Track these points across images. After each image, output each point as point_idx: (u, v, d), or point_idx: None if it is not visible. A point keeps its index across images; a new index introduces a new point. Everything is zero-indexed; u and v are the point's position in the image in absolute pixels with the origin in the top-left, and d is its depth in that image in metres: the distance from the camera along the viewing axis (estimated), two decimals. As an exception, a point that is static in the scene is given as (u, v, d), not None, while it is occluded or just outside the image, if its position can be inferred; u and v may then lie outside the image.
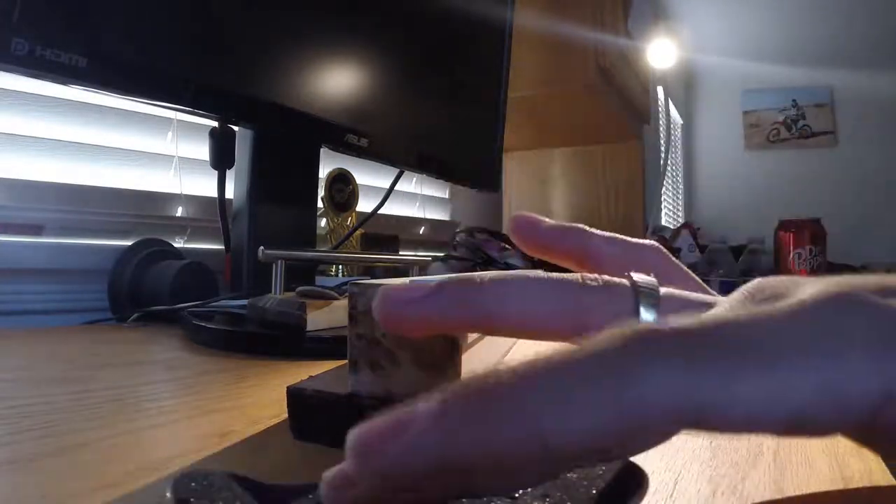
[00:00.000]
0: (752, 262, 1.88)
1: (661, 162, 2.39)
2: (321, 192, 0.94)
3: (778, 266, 1.54)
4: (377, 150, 0.74)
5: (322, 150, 0.74)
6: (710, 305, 0.16)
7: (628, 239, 0.20)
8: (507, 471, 0.11)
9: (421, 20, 0.82)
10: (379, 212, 0.91)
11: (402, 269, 0.81)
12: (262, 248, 0.55)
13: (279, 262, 0.55)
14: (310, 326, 0.46)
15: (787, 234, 1.53)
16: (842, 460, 0.20)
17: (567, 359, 0.12)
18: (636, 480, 0.15)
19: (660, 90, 2.56)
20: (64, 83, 0.46)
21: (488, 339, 0.26)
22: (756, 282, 0.15)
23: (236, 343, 0.47)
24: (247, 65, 0.58)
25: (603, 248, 0.19)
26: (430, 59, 0.85)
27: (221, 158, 0.64)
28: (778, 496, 0.17)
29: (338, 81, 0.69)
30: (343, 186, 0.99)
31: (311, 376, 0.25)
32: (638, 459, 0.14)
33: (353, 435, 0.12)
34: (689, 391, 0.11)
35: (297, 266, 0.64)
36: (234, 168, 0.66)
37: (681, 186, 3.56)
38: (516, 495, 0.14)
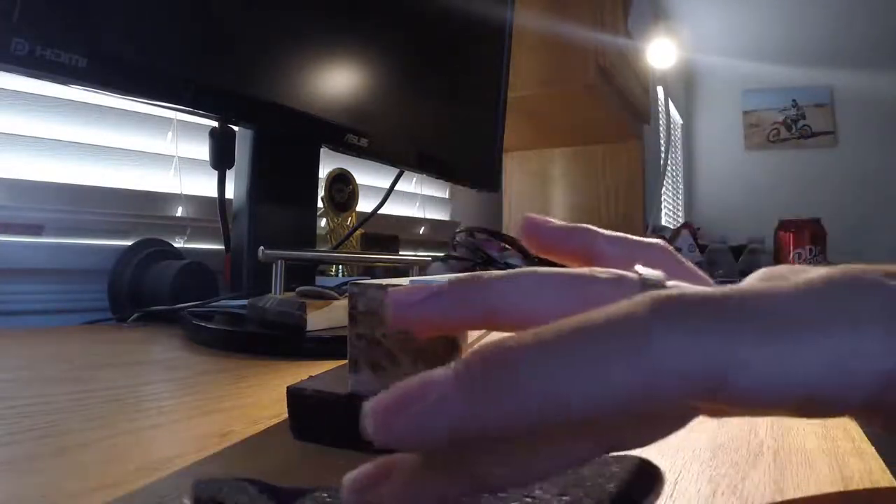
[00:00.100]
0: (752, 262, 1.88)
1: (661, 162, 2.39)
2: (321, 192, 0.94)
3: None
4: (377, 150, 0.74)
5: (322, 150, 0.74)
6: None
7: (635, 238, 0.20)
8: (527, 441, 0.12)
9: (421, 20, 0.82)
10: (379, 212, 0.91)
11: (402, 269, 0.81)
12: (262, 248, 0.55)
13: (279, 262, 0.55)
14: (310, 326, 0.46)
15: (787, 234, 1.54)
16: (842, 460, 0.20)
17: (586, 324, 0.12)
18: (652, 478, 0.15)
19: (660, 90, 2.56)
20: (64, 83, 0.46)
21: (488, 338, 0.26)
22: (765, 269, 0.16)
23: (236, 343, 0.47)
24: (247, 65, 0.58)
25: (609, 248, 0.19)
26: (430, 59, 0.85)
27: (221, 158, 0.64)
28: (778, 496, 0.17)
29: (338, 81, 0.69)
30: (343, 186, 0.99)
31: (311, 376, 0.25)
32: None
33: (371, 402, 0.12)
34: (706, 358, 0.11)
35: (297, 266, 0.64)
36: (234, 168, 0.66)
37: (681, 186, 3.56)
38: (535, 494, 0.14)
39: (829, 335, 0.12)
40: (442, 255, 1.10)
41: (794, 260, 1.51)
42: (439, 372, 0.12)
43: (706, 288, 0.13)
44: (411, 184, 1.36)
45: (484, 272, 0.15)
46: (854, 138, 3.42)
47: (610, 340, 0.11)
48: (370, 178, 1.14)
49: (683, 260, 0.20)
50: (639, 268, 0.16)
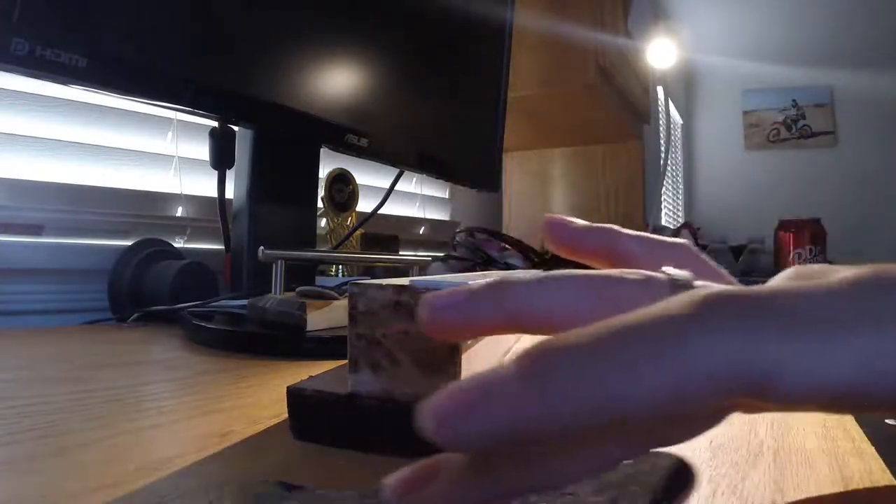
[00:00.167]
0: (752, 262, 1.88)
1: (661, 162, 2.39)
2: (321, 192, 0.94)
3: (778, 266, 1.54)
4: (377, 150, 0.74)
5: (322, 150, 0.74)
6: None
7: (658, 237, 0.20)
8: (580, 436, 0.12)
9: (421, 20, 0.82)
10: (379, 212, 0.91)
11: (402, 269, 0.81)
12: (262, 248, 0.55)
13: (279, 262, 0.55)
14: (310, 326, 0.46)
15: (787, 234, 1.54)
16: (842, 460, 0.20)
17: (633, 324, 0.12)
18: (686, 477, 0.16)
19: (660, 90, 2.56)
20: (64, 83, 0.46)
21: (488, 338, 0.26)
22: (795, 268, 0.16)
23: (236, 343, 0.47)
24: (247, 65, 0.58)
25: (633, 248, 0.20)
26: (430, 59, 0.85)
27: (221, 158, 0.64)
28: (778, 496, 0.17)
29: (338, 81, 0.69)
30: (343, 186, 0.99)
31: (311, 376, 0.25)
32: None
33: (429, 403, 0.12)
34: (742, 358, 0.12)
35: (297, 266, 0.64)
36: (234, 168, 0.66)
37: (681, 186, 3.56)
38: (571, 492, 0.15)
39: (858, 335, 0.12)
40: (442, 255, 1.10)
41: (793, 260, 1.51)
42: (497, 373, 0.12)
43: (738, 287, 0.13)
44: (411, 184, 1.36)
45: (513, 275, 0.15)
46: (854, 138, 3.42)
47: (657, 340, 0.12)
48: (370, 178, 1.14)
49: (707, 259, 0.20)
50: (666, 268, 0.16)
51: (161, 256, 0.72)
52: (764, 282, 0.16)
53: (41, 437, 0.22)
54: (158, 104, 0.55)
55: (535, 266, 1.06)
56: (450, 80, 0.90)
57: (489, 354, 0.27)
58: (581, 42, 1.28)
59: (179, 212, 0.85)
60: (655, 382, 0.11)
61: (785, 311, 0.12)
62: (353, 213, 1.01)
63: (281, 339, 0.46)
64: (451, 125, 0.91)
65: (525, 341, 0.36)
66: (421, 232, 1.37)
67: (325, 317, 0.48)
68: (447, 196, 1.52)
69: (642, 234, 0.20)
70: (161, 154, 0.84)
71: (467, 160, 0.95)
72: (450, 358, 0.20)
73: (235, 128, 0.65)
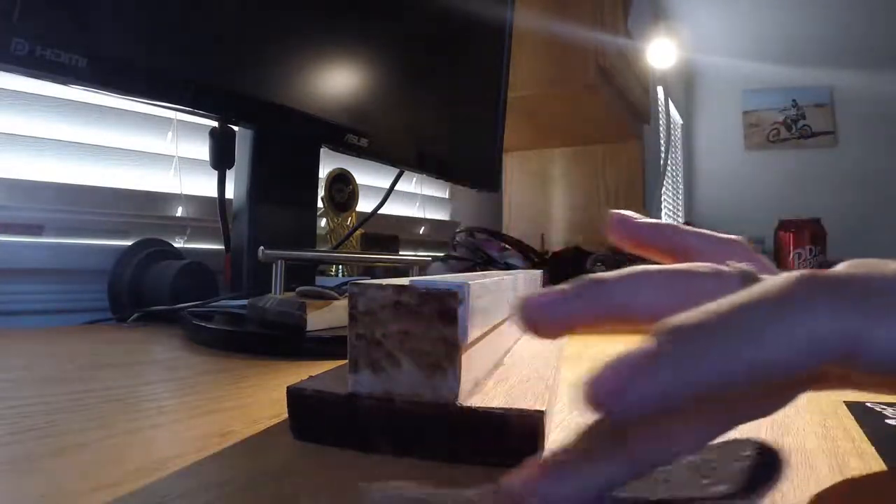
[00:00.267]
0: (752, 262, 1.88)
1: (661, 162, 2.39)
2: (321, 192, 0.94)
3: (778, 266, 1.54)
4: (377, 150, 0.74)
5: (322, 150, 0.74)
6: None
7: (717, 234, 0.21)
8: (716, 399, 0.14)
9: (421, 20, 0.82)
10: (379, 212, 0.91)
11: (402, 269, 0.81)
12: (262, 248, 0.55)
13: (279, 262, 0.55)
14: (310, 326, 0.46)
15: (787, 234, 1.53)
16: (842, 460, 0.20)
17: (747, 302, 0.14)
18: (777, 459, 0.18)
19: (660, 90, 2.56)
20: (64, 83, 0.46)
21: (488, 338, 0.26)
22: (852, 260, 0.17)
23: (236, 343, 0.47)
24: (247, 65, 0.58)
25: (693, 243, 0.21)
26: (430, 59, 0.85)
27: (221, 158, 0.64)
28: (778, 496, 0.17)
29: (338, 81, 0.69)
30: (343, 186, 0.99)
31: (311, 376, 0.25)
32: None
33: (590, 377, 0.13)
34: (844, 330, 0.13)
35: (297, 266, 0.64)
36: (234, 168, 0.66)
37: (681, 186, 3.56)
38: (670, 467, 0.16)
39: None
40: (442, 255, 1.10)
41: (793, 260, 1.51)
42: (642, 351, 0.13)
43: (820, 270, 0.15)
44: (411, 184, 1.36)
45: (596, 275, 0.17)
46: (854, 138, 3.42)
47: (776, 312, 0.13)
48: (370, 178, 1.14)
49: (760, 256, 0.21)
50: (731, 262, 0.18)
51: (161, 256, 0.72)
52: None
53: (41, 437, 0.22)
54: (158, 104, 0.55)
55: (535, 266, 1.06)
56: (450, 80, 0.90)
57: (489, 355, 0.27)
58: (581, 42, 1.28)
59: (179, 212, 0.85)
60: (778, 346, 0.13)
61: (877, 291, 0.14)
62: (353, 213, 1.01)
63: (281, 339, 0.46)
64: (451, 125, 0.91)
65: (525, 342, 0.36)
66: (421, 232, 1.37)
67: (325, 317, 0.48)
68: (447, 196, 1.52)
69: (701, 230, 0.21)
70: (161, 154, 0.84)
71: (467, 160, 0.95)
72: (448, 358, 0.20)
73: (235, 128, 0.65)
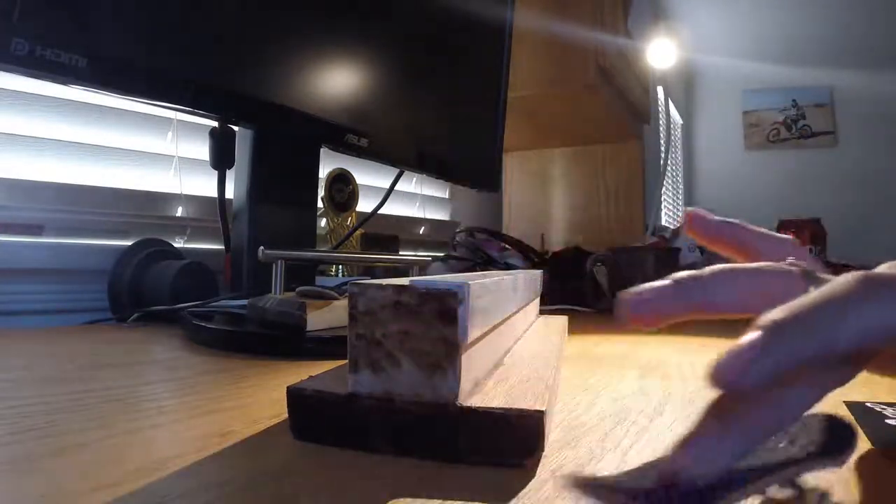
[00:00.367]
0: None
1: (661, 162, 2.39)
2: (321, 192, 0.94)
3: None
4: (377, 150, 0.74)
5: (322, 150, 0.74)
6: None
7: (775, 234, 0.25)
8: (816, 369, 0.17)
9: (421, 20, 0.82)
10: (379, 212, 0.91)
11: (402, 269, 0.81)
12: (262, 248, 0.55)
13: (279, 262, 0.55)
14: (310, 326, 0.46)
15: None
16: (842, 460, 0.20)
17: (828, 297, 0.16)
18: (850, 432, 0.21)
19: (660, 90, 2.56)
20: (64, 83, 0.46)
21: (488, 338, 0.26)
22: (890, 262, 0.19)
23: (236, 343, 0.47)
24: (247, 65, 0.58)
25: (755, 241, 0.24)
26: (430, 59, 0.85)
27: (221, 158, 0.64)
28: (778, 496, 0.17)
29: (338, 81, 0.69)
30: (343, 186, 0.99)
31: (311, 376, 0.25)
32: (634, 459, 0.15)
33: (716, 365, 0.15)
34: None
35: (297, 266, 0.64)
36: (234, 168, 0.66)
37: (681, 186, 3.56)
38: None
39: None
40: (442, 255, 1.10)
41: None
42: (754, 337, 0.15)
43: (873, 271, 0.17)
44: (411, 184, 1.36)
45: (684, 273, 0.19)
46: (854, 138, 3.42)
47: (852, 302, 0.16)
48: (370, 178, 1.14)
49: (811, 255, 0.24)
50: (791, 260, 0.21)
51: (161, 256, 0.72)
52: None
53: (41, 437, 0.22)
54: (158, 104, 0.55)
55: (535, 266, 1.06)
56: (450, 80, 0.90)
57: (489, 355, 0.27)
58: (581, 42, 1.28)
59: (179, 212, 0.85)
60: (858, 326, 0.16)
61: None
62: (353, 213, 1.01)
63: (281, 339, 0.46)
64: (451, 125, 0.91)
65: (525, 341, 0.36)
66: (421, 232, 1.37)
67: (325, 317, 0.48)
68: (447, 196, 1.52)
69: (761, 229, 0.25)
70: (161, 154, 0.84)
71: (467, 160, 0.95)
72: (447, 358, 0.20)
73: (235, 128, 0.65)
